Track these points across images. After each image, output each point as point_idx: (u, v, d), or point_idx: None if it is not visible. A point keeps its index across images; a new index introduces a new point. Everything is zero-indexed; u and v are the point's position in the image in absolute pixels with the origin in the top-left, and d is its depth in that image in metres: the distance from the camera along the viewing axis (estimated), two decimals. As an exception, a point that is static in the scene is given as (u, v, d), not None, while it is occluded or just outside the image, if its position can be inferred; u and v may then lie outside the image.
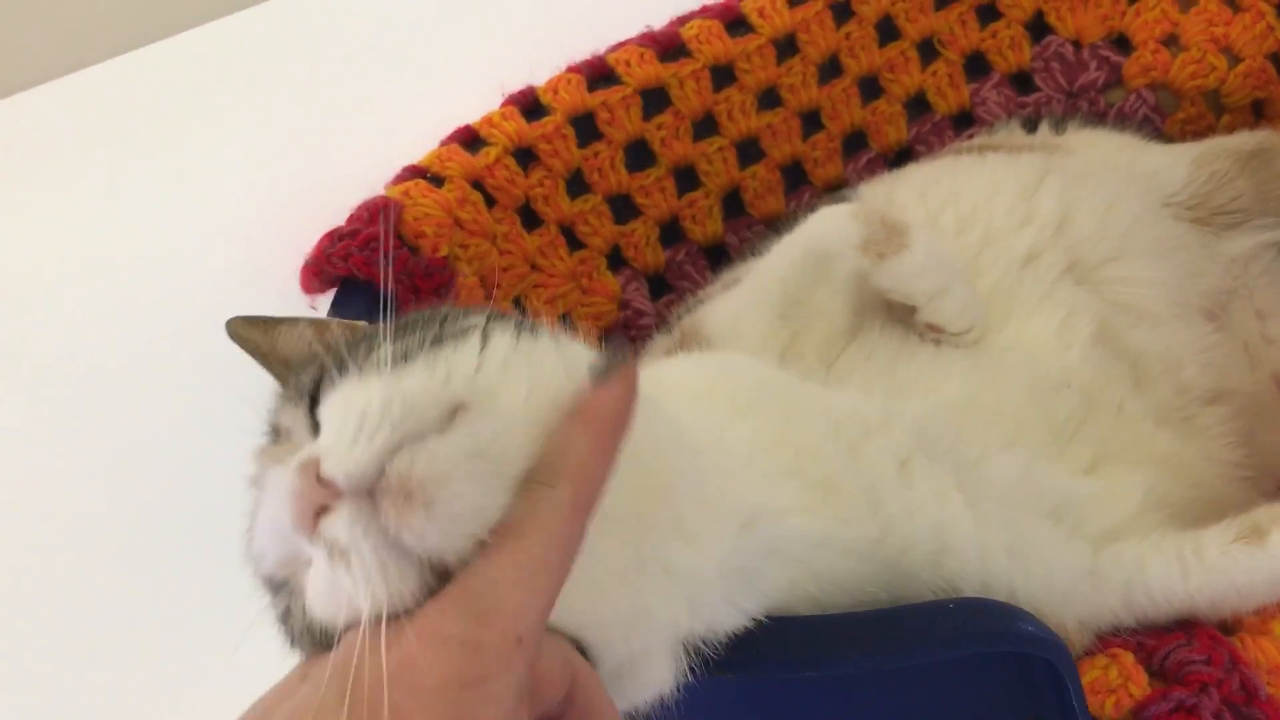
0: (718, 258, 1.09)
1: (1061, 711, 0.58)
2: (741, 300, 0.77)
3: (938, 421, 0.65)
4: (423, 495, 0.41)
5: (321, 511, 0.42)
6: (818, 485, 0.60)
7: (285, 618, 0.48)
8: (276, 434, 0.52)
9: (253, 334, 0.61)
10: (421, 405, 0.43)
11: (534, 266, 1.00)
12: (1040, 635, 0.55)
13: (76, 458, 0.91)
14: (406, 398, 0.43)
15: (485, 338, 0.48)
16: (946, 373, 0.72)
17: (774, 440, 0.61)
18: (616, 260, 1.06)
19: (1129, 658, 0.63)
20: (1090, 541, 0.67)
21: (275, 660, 0.47)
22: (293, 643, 0.48)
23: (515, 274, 0.98)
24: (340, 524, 0.42)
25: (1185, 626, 0.66)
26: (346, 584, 0.42)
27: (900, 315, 0.76)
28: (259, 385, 0.96)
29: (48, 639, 0.91)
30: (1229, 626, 0.67)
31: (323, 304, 0.88)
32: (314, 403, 0.48)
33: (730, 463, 0.59)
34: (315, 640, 0.45)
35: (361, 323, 0.61)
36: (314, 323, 0.61)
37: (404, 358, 0.46)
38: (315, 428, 0.47)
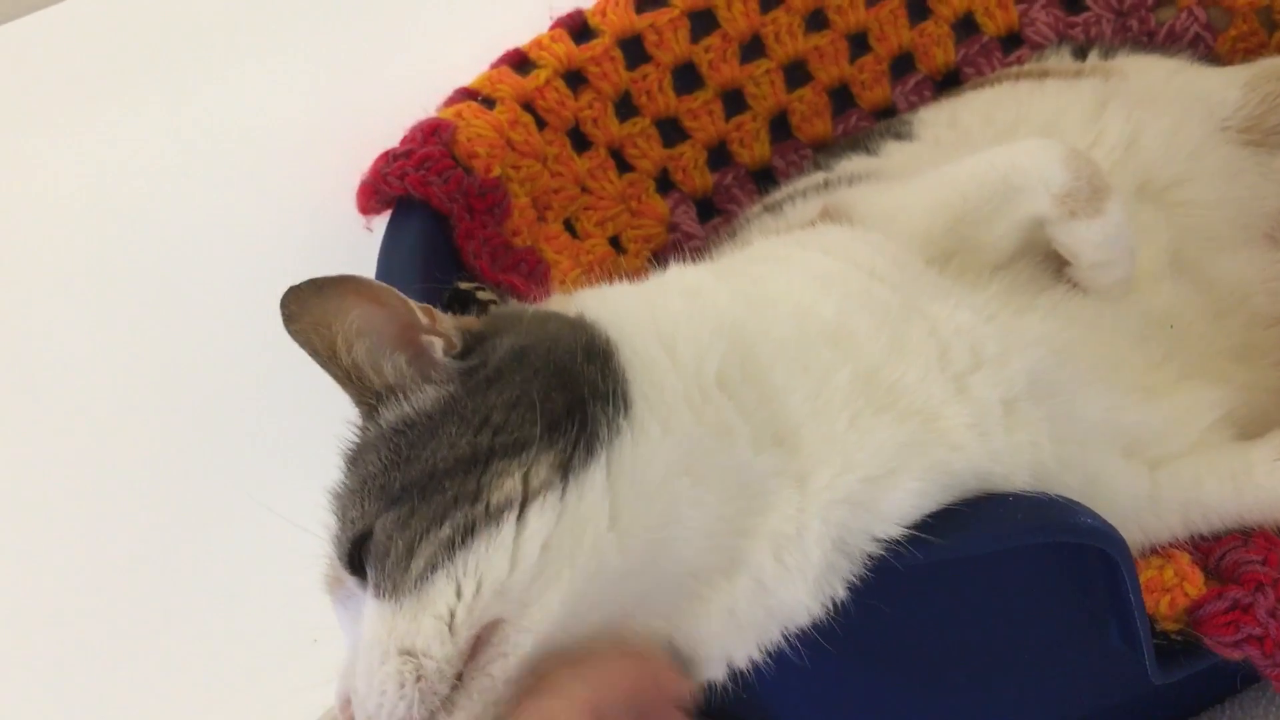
0: (765, 181, 1.10)
1: (1115, 606, 0.60)
2: (910, 197, 0.74)
3: (1049, 366, 0.65)
4: None
5: None
6: (916, 413, 0.60)
7: None
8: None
9: (309, 332, 0.61)
10: (443, 671, 0.50)
11: (584, 189, 1.01)
12: (1099, 528, 0.56)
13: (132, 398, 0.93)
14: (427, 662, 0.50)
15: (522, 517, 0.52)
16: (1071, 311, 0.71)
17: (871, 373, 0.61)
18: (665, 183, 1.07)
19: (1184, 558, 0.64)
20: (1151, 464, 0.68)
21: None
22: None
23: (565, 195, 0.99)
24: None
25: (1242, 530, 0.67)
26: None
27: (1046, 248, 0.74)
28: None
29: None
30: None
31: (379, 224, 0.89)
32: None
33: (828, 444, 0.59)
34: None
35: (423, 308, 0.61)
36: (370, 319, 0.60)
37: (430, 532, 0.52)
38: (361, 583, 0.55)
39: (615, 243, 1.03)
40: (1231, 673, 0.64)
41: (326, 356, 0.60)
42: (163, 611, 0.94)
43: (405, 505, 0.53)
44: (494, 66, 0.99)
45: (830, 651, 0.56)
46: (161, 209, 0.89)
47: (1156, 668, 0.60)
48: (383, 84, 1.00)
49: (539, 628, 0.51)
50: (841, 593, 0.56)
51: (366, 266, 0.85)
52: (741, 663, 0.56)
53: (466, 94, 0.96)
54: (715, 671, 0.56)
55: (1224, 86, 0.93)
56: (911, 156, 0.89)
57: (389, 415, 0.58)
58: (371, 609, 0.52)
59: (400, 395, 0.58)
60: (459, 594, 0.50)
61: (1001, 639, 0.66)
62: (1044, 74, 0.98)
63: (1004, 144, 0.74)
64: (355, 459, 0.58)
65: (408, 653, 0.50)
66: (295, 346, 0.96)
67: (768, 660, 0.56)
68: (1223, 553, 0.65)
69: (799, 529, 0.55)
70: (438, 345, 0.59)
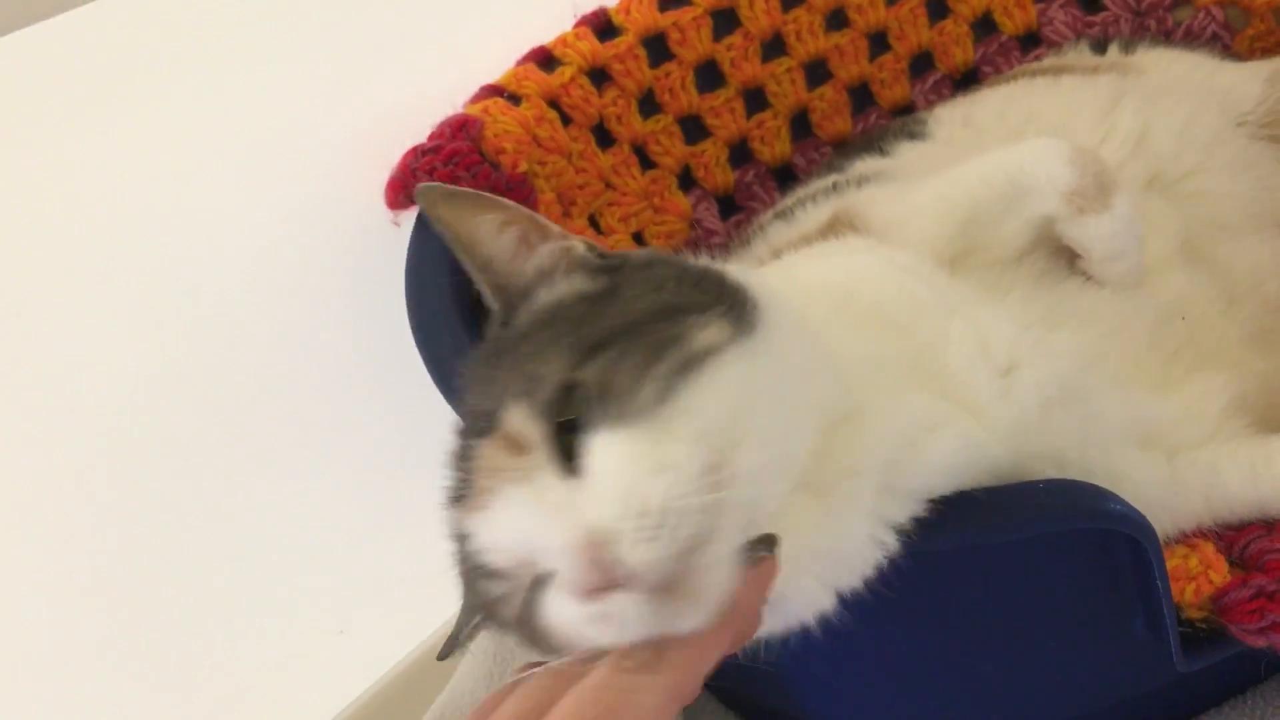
0: (786, 179, 1.11)
1: (1143, 593, 0.61)
2: (921, 201, 0.75)
3: (1078, 369, 0.66)
4: (697, 593, 0.48)
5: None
6: (963, 405, 0.62)
7: (499, 602, 0.53)
8: (491, 424, 0.54)
9: (452, 219, 0.61)
10: (692, 505, 0.48)
11: (608, 185, 1.02)
12: (1127, 513, 0.57)
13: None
14: (677, 499, 0.48)
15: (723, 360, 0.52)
16: (1090, 307, 0.72)
17: (915, 359, 0.63)
18: (687, 180, 1.08)
19: (1209, 547, 0.65)
20: (1168, 452, 0.69)
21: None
22: (501, 624, 0.55)
23: (590, 191, 1.00)
24: (627, 608, 0.47)
25: (1266, 520, 0.67)
26: (600, 635, 0.49)
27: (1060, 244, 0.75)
28: (334, 308, 0.98)
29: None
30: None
31: (406, 219, 0.90)
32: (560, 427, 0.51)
33: (880, 392, 0.60)
34: (534, 636, 0.52)
35: (555, 230, 0.62)
36: (513, 218, 0.61)
37: (644, 368, 0.51)
38: (560, 455, 0.51)
39: (639, 238, 1.03)
40: (1256, 661, 0.64)
41: (465, 245, 0.61)
42: (190, 604, 0.95)
43: (613, 348, 0.52)
44: (520, 64, 1.00)
45: (858, 631, 0.57)
46: (189, 208, 0.90)
47: (1182, 655, 0.61)
48: (410, 81, 1.01)
49: (755, 470, 0.51)
50: (892, 543, 0.57)
51: (396, 262, 0.86)
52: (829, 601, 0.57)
53: (493, 91, 0.97)
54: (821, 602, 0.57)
55: (1245, 81, 0.94)
56: (924, 156, 0.90)
57: (545, 298, 0.59)
58: (604, 441, 0.50)
59: (553, 279, 0.59)
60: (691, 425, 0.50)
61: (1028, 625, 0.67)
62: (1061, 70, 0.99)
63: (1010, 145, 0.75)
64: (498, 351, 0.58)
65: (665, 468, 0.49)
66: (321, 344, 0.98)
67: (813, 629, 0.57)
68: (1247, 542, 0.65)
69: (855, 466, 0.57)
70: (579, 244, 0.61)
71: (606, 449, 0.50)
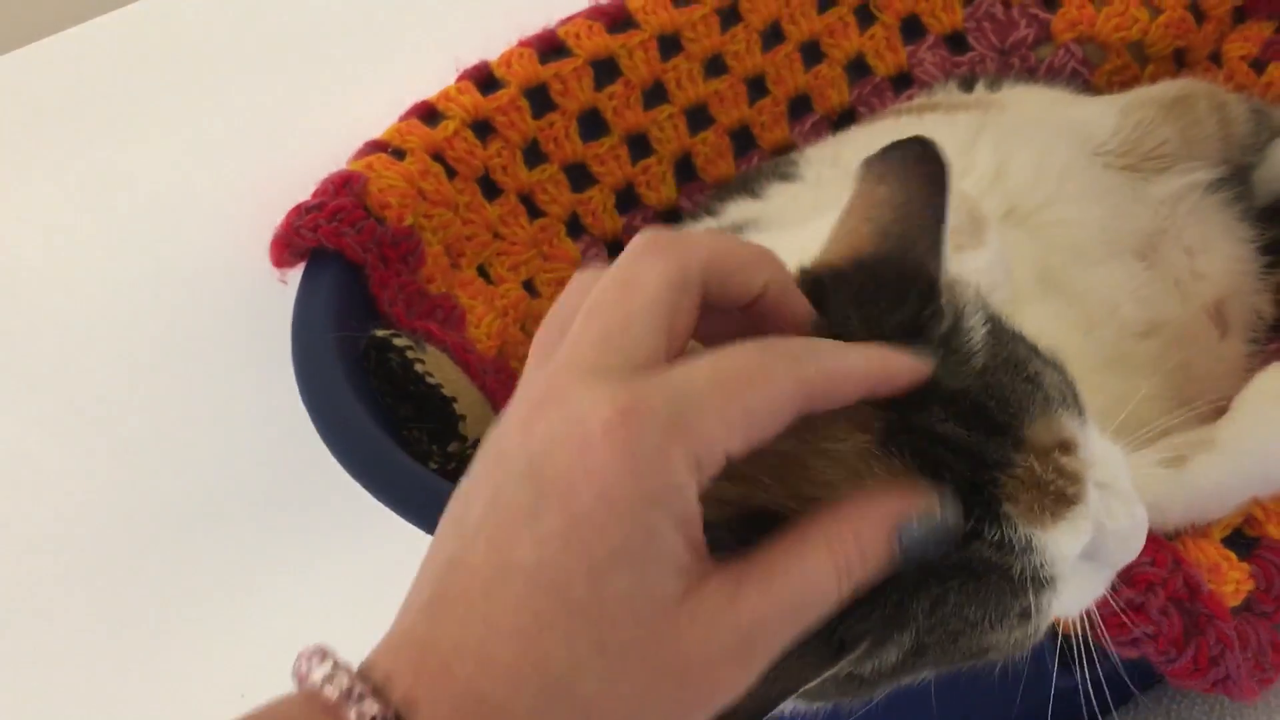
0: (673, 221, 1.13)
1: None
2: (805, 248, 0.75)
3: None
4: None
5: None
6: None
7: None
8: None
9: None
10: None
11: (496, 235, 1.03)
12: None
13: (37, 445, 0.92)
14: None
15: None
16: None
17: None
18: (576, 227, 1.10)
19: (1079, 563, 0.67)
20: None
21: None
22: None
23: (478, 242, 1.01)
24: None
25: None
26: None
27: None
28: (219, 365, 0.97)
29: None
30: (1170, 533, 0.71)
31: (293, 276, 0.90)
32: None
33: None
34: None
35: None
36: None
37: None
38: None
39: (529, 286, 1.05)
40: (1133, 676, 0.67)
41: None
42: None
43: None
44: (403, 119, 1.01)
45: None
46: (74, 271, 0.89)
47: (1059, 670, 0.63)
48: (291, 139, 1.01)
49: None
50: None
51: (283, 318, 0.86)
52: None
53: (376, 146, 0.98)
54: None
55: (1101, 114, 0.99)
56: (795, 197, 0.92)
57: None
58: None
59: None
60: None
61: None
62: (926, 109, 1.03)
63: None
64: None
65: None
66: (220, 395, 0.97)
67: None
68: (1115, 556, 0.68)
69: None
70: None
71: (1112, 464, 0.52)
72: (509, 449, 0.41)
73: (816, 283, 0.52)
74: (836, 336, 0.48)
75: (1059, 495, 0.47)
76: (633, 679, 0.38)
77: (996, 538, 0.45)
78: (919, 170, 0.54)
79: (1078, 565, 0.50)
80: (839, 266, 0.52)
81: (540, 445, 0.39)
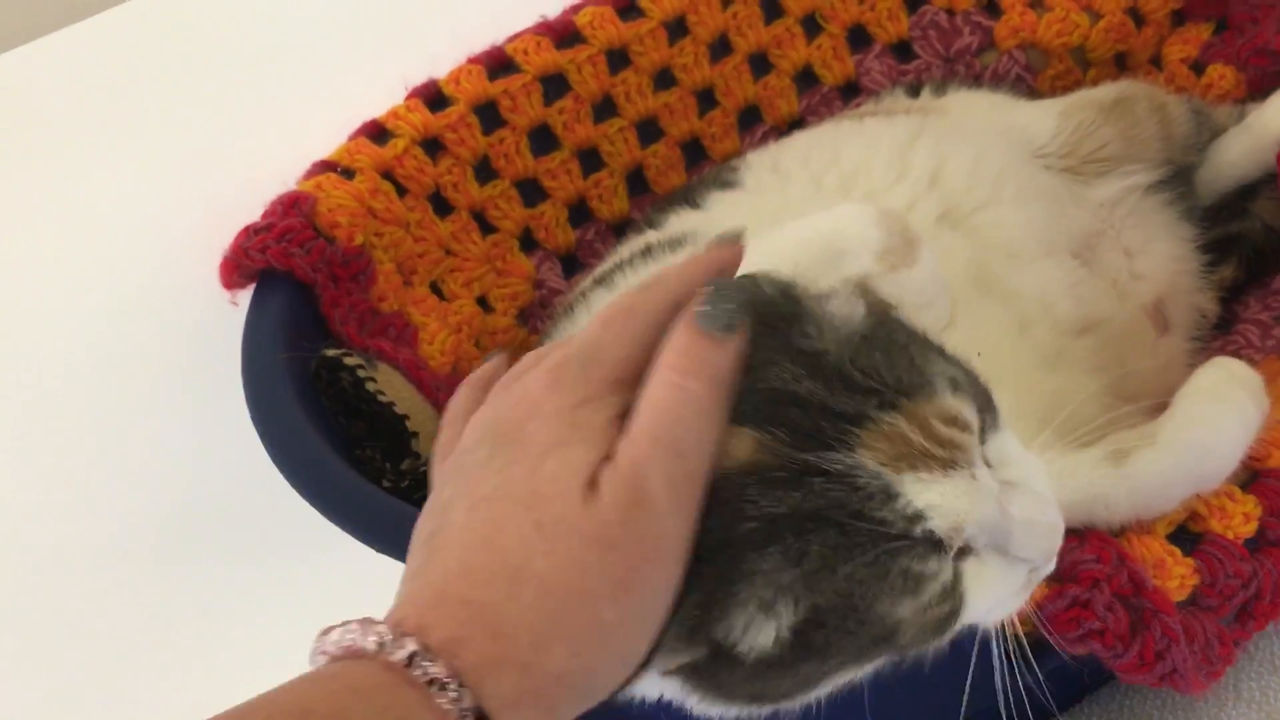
0: (626, 234, 1.13)
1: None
2: (746, 266, 0.78)
3: None
4: None
5: None
6: None
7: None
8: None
9: None
10: None
11: (448, 251, 1.03)
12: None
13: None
14: None
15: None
16: None
17: None
18: (529, 242, 1.10)
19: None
20: None
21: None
22: None
23: (430, 259, 1.01)
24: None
25: (1077, 531, 0.71)
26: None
27: None
28: (170, 387, 0.97)
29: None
30: (1115, 530, 0.72)
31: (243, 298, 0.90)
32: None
33: None
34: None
35: None
36: None
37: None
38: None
39: (483, 302, 1.05)
40: (1081, 672, 0.68)
41: None
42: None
43: None
44: (352, 138, 1.01)
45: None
46: (16, 295, 0.89)
47: (1008, 668, 0.64)
48: (240, 160, 1.01)
49: None
50: None
51: (234, 339, 0.85)
52: None
53: (325, 166, 0.97)
54: None
55: (1040, 118, 1.00)
56: (735, 206, 0.93)
57: None
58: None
59: None
60: None
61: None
62: (869, 113, 1.04)
63: (819, 211, 0.78)
64: None
65: None
66: (170, 418, 0.96)
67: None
68: (1062, 554, 0.69)
69: None
70: None
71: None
72: (488, 419, 0.53)
73: None
74: None
75: (929, 455, 0.50)
76: (567, 549, 0.45)
77: (844, 476, 0.48)
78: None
79: (990, 558, 0.52)
80: None
81: (492, 415, 0.52)
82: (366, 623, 0.45)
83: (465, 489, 0.49)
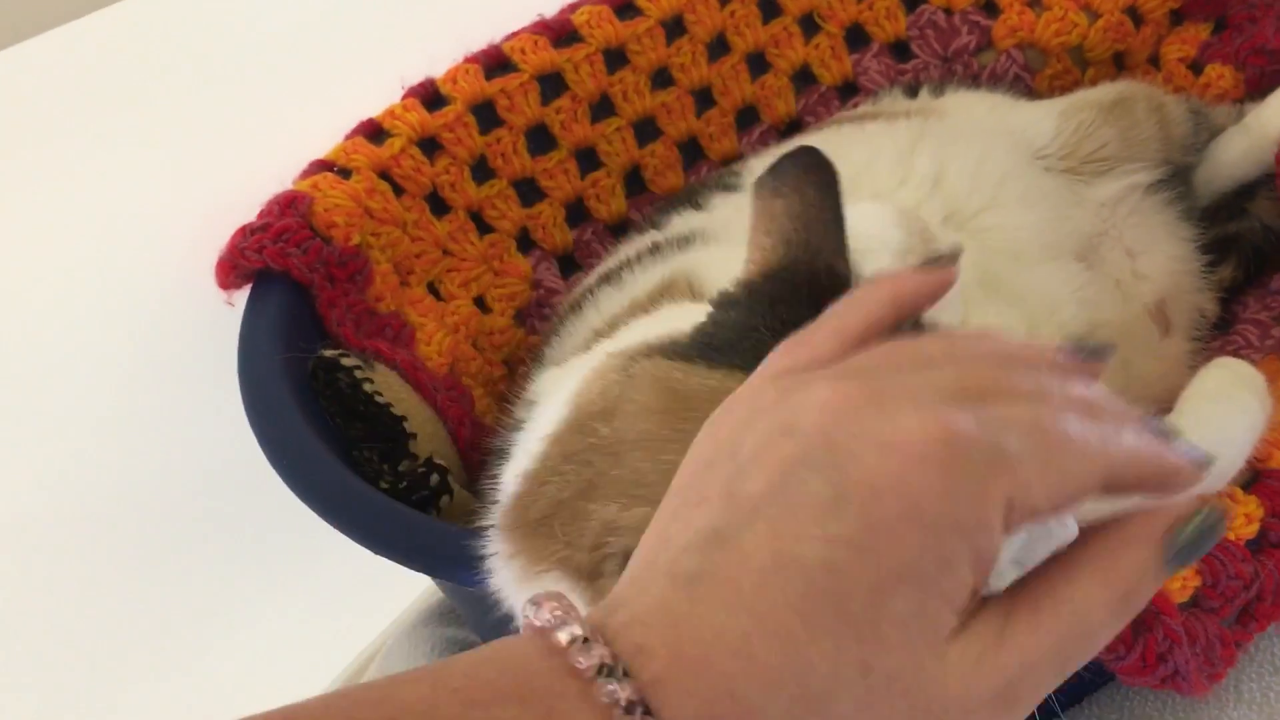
0: (623, 233, 1.13)
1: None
2: None
3: None
4: None
5: None
6: None
7: None
8: None
9: None
10: None
11: (446, 251, 1.03)
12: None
13: None
14: None
15: None
16: None
17: None
18: (526, 242, 1.10)
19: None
20: None
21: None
22: None
23: (428, 259, 1.01)
24: None
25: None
26: None
27: None
28: (166, 388, 0.96)
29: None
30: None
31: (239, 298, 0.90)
32: None
33: None
34: None
35: None
36: None
37: None
38: None
39: (480, 302, 1.04)
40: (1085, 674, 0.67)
41: None
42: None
43: None
44: (348, 138, 1.00)
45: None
46: (10, 296, 0.88)
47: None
48: (236, 160, 1.00)
49: None
50: None
51: (230, 340, 0.85)
52: None
53: (322, 165, 0.97)
54: None
55: (1040, 119, 1.00)
56: (739, 209, 0.92)
57: None
58: None
59: None
60: None
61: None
62: (870, 117, 1.04)
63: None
64: None
65: None
66: (166, 419, 0.96)
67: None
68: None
69: None
70: None
71: None
72: (804, 425, 0.39)
73: (733, 301, 0.54)
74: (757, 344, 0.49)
75: None
76: (889, 710, 0.37)
77: None
78: (810, 179, 0.55)
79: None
80: (751, 281, 0.53)
81: (846, 439, 0.38)
82: (582, 629, 0.37)
83: (780, 523, 0.38)
